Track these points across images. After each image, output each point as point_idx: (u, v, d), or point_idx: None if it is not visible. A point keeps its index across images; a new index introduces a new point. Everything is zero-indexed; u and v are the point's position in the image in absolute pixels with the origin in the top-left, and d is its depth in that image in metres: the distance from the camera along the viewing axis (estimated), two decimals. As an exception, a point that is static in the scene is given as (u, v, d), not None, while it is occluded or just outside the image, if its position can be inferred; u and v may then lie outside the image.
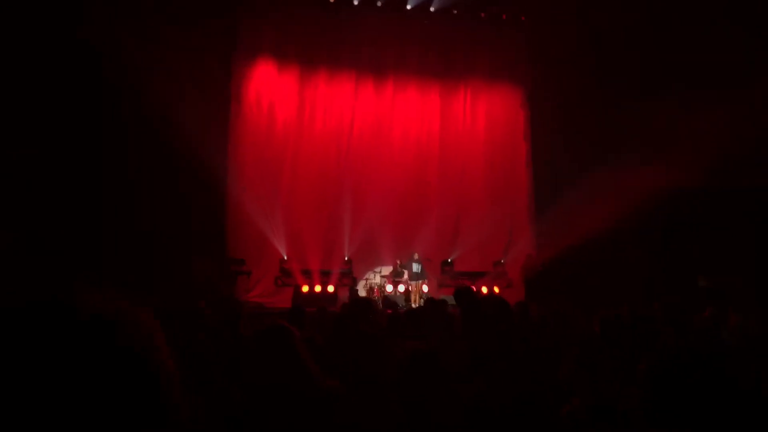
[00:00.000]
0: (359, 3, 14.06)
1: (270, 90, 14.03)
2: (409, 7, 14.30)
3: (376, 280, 13.43)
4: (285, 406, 1.92)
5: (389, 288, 12.68)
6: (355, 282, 13.08)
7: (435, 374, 1.71)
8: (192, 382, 2.87)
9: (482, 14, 14.86)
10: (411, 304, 11.85)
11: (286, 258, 13.19)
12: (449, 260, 13.90)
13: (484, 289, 12.78)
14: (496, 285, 13.11)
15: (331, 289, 12.46)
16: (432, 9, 14.44)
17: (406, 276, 12.59)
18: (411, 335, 3.78)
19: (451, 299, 11.09)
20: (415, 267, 12.38)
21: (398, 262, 12.89)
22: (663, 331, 3.45)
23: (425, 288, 12.60)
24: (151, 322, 0.79)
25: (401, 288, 12.52)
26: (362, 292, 12.89)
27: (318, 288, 12.43)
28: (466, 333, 3.45)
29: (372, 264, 13.81)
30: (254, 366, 2.04)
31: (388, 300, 11.71)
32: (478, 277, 13.48)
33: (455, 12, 14.61)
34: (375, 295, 12.50)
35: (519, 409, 1.89)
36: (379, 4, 14.17)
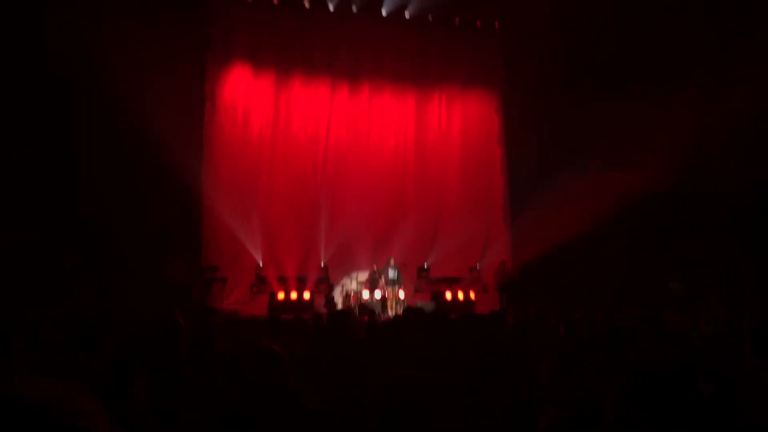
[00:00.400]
0: (335, 9, 14.03)
1: (245, 95, 13.92)
2: (384, 13, 14.33)
3: (353, 286, 13.38)
4: (270, 426, 1.90)
5: (366, 294, 12.64)
6: (331, 288, 13.02)
7: (419, 404, 1.69)
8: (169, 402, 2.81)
9: (456, 21, 14.96)
10: (388, 311, 11.85)
11: (261, 264, 13.08)
12: (425, 265, 13.93)
13: (460, 294, 12.80)
14: (472, 290, 13.17)
15: (307, 296, 12.35)
16: (407, 15, 14.49)
17: (382, 281, 12.58)
18: (391, 347, 3.75)
19: (427, 306, 11.13)
20: (392, 273, 12.38)
21: (375, 267, 12.88)
22: (635, 338, 3.51)
23: (401, 294, 12.60)
24: (91, 405, 0.79)
25: (378, 294, 12.49)
26: (338, 299, 12.84)
27: (294, 295, 12.32)
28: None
29: (348, 270, 13.76)
30: (241, 389, 2.00)
31: (365, 307, 11.67)
32: (454, 282, 13.53)
33: (430, 18, 14.68)
34: (351, 301, 12.45)
35: (500, 419, 1.90)
36: (354, 10, 14.17)
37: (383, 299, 12.29)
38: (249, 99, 13.95)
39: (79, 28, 10.83)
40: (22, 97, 10.41)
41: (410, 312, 5.24)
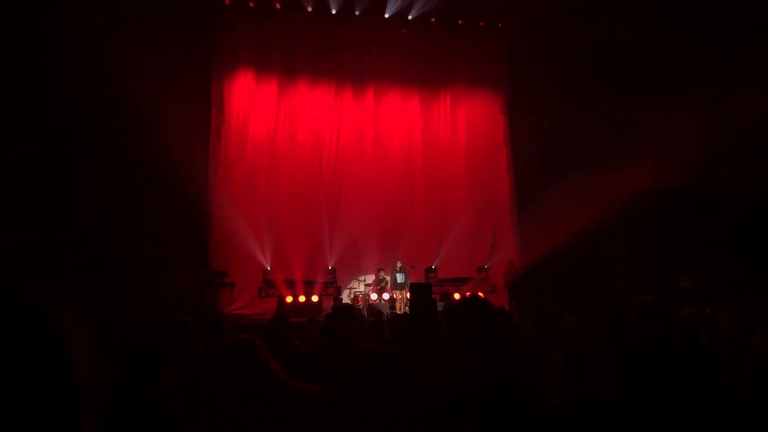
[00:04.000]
0: (337, 12, 14.07)
1: (251, 100, 13.99)
2: (387, 15, 14.36)
3: (360, 288, 13.40)
4: (259, 411, 1.96)
5: (374, 296, 12.65)
6: (339, 291, 13.03)
7: (386, 376, 1.75)
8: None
9: (460, 22, 14.97)
10: (396, 312, 11.83)
11: (269, 268, 13.11)
12: (433, 266, 13.92)
13: (457, 296, 12.78)
14: (480, 290, 13.13)
15: (315, 299, 12.40)
16: (410, 17, 14.51)
17: (389, 284, 12.58)
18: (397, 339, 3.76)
19: (439, 305, 11.10)
20: (399, 276, 12.37)
21: (381, 271, 12.88)
22: (638, 330, 3.49)
23: (409, 296, 12.58)
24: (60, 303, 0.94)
25: (386, 296, 12.50)
26: (346, 301, 12.84)
27: (302, 298, 12.37)
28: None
29: (356, 272, 13.78)
30: (227, 377, 2.09)
31: (373, 308, 11.68)
32: (462, 282, 13.51)
33: (433, 20, 14.69)
34: (359, 303, 12.47)
35: (504, 402, 1.90)
36: (357, 12, 14.21)
37: (391, 300, 12.30)
38: (254, 104, 14.02)
39: (86, 36, 10.93)
40: (28, 103, 10.51)
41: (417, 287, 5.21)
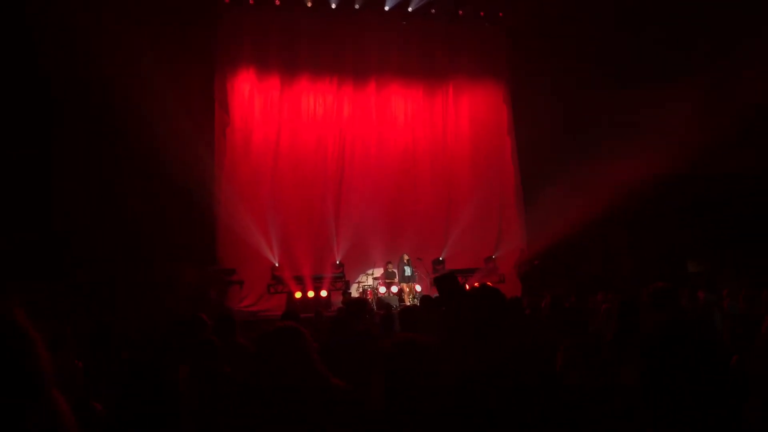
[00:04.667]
0: (337, 6, 14.04)
1: (254, 98, 14.00)
2: (387, 8, 14.31)
3: (369, 282, 13.42)
4: (296, 403, 1.95)
5: (382, 290, 12.67)
6: (347, 285, 13.06)
7: (418, 360, 1.74)
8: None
9: (460, 12, 14.90)
10: (405, 305, 11.84)
11: (277, 265, 13.14)
12: (440, 258, 13.92)
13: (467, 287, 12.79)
14: (488, 281, 13.13)
15: (324, 293, 12.44)
16: (410, 9, 14.45)
17: (397, 277, 12.60)
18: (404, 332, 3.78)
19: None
20: (406, 270, 12.38)
21: (389, 264, 12.90)
22: (652, 315, 3.49)
23: (418, 288, 12.62)
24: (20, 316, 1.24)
25: (394, 289, 12.52)
26: (355, 295, 12.87)
27: (311, 293, 12.40)
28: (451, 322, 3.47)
29: (364, 266, 13.80)
30: (264, 365, 2.05)
31: (382, 302, 11.69)
32: (470, 273, 13.51)
33: (433, 11, 14.63)
34: (368, 296, 12.49)
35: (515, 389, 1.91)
36: (357, 6, 14.16)
37: (400, 293, 12.32)
38: (257, 101, 14.03)
39: (88, 36, 10.93)
40: (32, 106, 10.57)
41: (428, 301, 5.25)
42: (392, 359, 1.77)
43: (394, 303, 11.46)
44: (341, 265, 13.46)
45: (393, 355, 1.78)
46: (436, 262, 13.88)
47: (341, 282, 13.10)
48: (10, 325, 1.26)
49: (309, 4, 13.94)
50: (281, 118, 14.09)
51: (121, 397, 2.51)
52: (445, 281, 4.09)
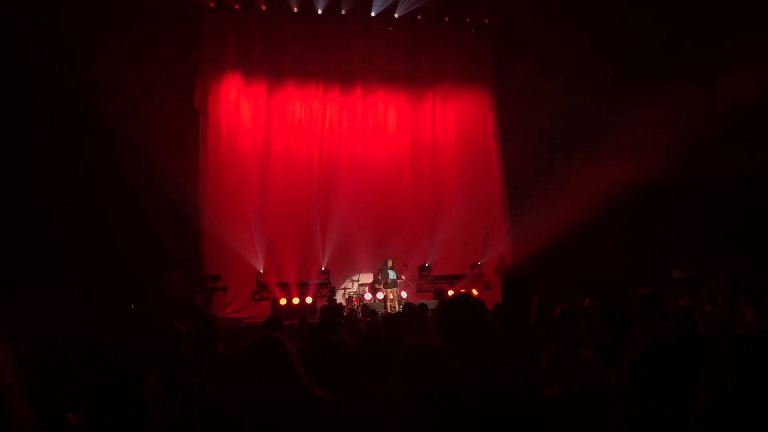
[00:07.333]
0: (323, 12, 14.01)
1: (238, 104, 13.90)
2: (373, 14, 14.31)
3: (354, 288, 13.36)
4: (280, 412, 1.94)
5: (368, 296, 12.61)
6: (333, 292, 12.99)
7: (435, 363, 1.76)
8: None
9: (446, 18, 14.95)
10: (386, 312, 11.80)
11: (262, 271, 13.05)
12: (426, 264, 13.89)
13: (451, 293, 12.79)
14: (474, 287, 13.14)
15: (309, 300, 12.36)
16: (396, 15, 14.47)
17: (383, 283, 12.55)
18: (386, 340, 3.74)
19: (431, 304, 11.09)
20: (391, 274, 12.32)
21: (380, 271, 12.85)
22: (638, 320, 3.49)
23: (404, 294, 12.57)
24: None
25: (380, 296, 12.46)
26: (341, 302, 12.80)
27: (296, 300, 12.32)
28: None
29: (349, 273, 13.74)
30: (249, 376, 2.05)
31: (368, 308, 11.64)
32: (456, 280, 13.49)
33: (419, 17, 14.67)
34: (354, 303, 12.43)
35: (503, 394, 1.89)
36: (343, 12, 14.15)
37: (385, 300, 12.26)
38: (242, 107, 13.94)
39: (69, 42, 10.83)
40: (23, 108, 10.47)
41: (410, 308, 5.21)
42: (409, 364, 1.78)
43: (380, 310, 11.41)
44: (327, 271, 13.39)
45: (410, 358, 1.78)
46: (422, 268, 13.86)
47: (327, 288, 13.03)
48: None
49: (295, 10, 13.90)
50: (267, 124, 14.01)
51: (92, 406, 2.47)
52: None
